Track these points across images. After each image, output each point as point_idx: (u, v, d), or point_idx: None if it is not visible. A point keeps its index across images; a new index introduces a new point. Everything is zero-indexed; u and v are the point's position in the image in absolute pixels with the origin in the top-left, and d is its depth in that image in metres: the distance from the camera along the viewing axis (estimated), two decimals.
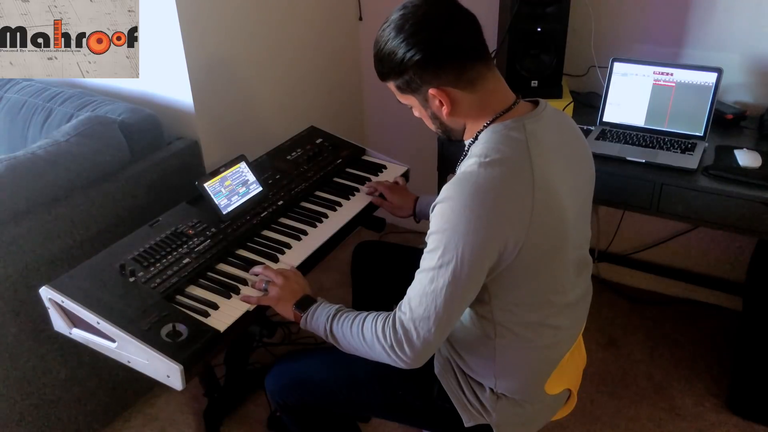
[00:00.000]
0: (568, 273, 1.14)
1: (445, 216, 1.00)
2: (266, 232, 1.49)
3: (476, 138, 1.10)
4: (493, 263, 1.02)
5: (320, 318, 1.18)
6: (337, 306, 1.19)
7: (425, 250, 1.04)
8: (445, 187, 1.03)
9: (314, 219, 1.54)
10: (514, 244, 1.00)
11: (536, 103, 1.13)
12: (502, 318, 1.12)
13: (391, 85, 1.12)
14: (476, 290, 1.05)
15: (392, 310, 1.09)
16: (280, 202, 1.56)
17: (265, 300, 1.25)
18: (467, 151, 1.12)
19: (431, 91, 1.06)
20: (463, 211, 0.99)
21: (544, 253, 1.05)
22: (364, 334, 1.10)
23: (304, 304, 1.22)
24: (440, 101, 1.07)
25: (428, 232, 1.04)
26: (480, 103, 1.09)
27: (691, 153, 1.69)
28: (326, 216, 1.56)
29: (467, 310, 1.15)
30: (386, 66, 1.08)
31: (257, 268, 1.31)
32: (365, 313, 1.13)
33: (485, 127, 1.09)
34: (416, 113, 1.18)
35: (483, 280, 1.04)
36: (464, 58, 1.05)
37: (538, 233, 1.01)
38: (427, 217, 1.54)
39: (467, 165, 1.04)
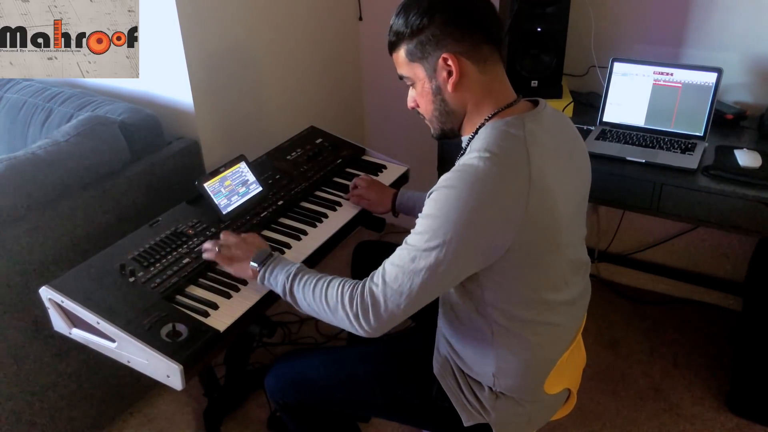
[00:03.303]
0: (563, 272, 1.14)
1: (440, 203, 1.01)
2: (266, 232, 1.49)
3: (476, 133, 1.10)
4: (483, 257, 1.03)
5: (279, 275, 1.17)
6: (297, 264, 1.18)
7: (413, 230, 1.04)
8: (443, 176, 1.03)
9: (314, 219, 1.54)
10: (503, 242, 1.01)
11: (536, 103, 1.13)
12: (498, 316, 1.12)
13: (400, 54, 1.11)
14: (453, 281, 1.06)
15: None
16: (280, 202, 1.56)
17: (219, 258, 1.26)
18: (466, 146, 1.11)
19: (445, 54, 1.05)
20: (458, 201, 0.99)
21: (537, 249, 1.05)
22: (328, 299, 1.09)
23: (260, 258, 1.21)
24: (449, 72, 1.07)
25: (420, 214, 1.04)
26: (486, 87, 1.09)
27: (691, 153, 1.69)
28: (326, 216, 1.56)
29: (464, 309, 1.15)
30: (404, 26, 1.07)
31: (208, 242, 1.32)
32: (329, 277, 1.13)
33: (486, 121, 1.09)
34: (410, 103, 1.17)
35: (466, 271, 1.05)
36: (485, 34, 1.06)
37: (530, 232, 1.02)
38: (406, 212, 1.55)
39: (468, 158, 1.04)
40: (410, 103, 1.18)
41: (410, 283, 1.02)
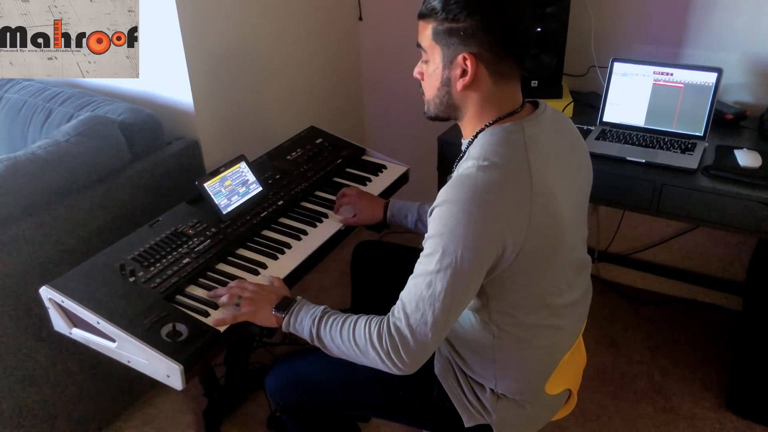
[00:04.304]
0: (566, 274, 1.14)
1: (442, 219, 0.99)
2: (266, 232, 1.49)
3: (475, 137, 1.09)
4: (491, 266, 1.02)
5: (304, 320, 1.14)
6: (321, 307, 1.16)
7: (422, 254, 1.03)
8: (442, 190, 1.02)
9: (314, 219, 1.54)
10: (512, 248, 1.00)
11: (536, 104, 1.13)
12: (501, 320, 1.12)
13: (427, 27, 1.05)
14: (474, 293, 1.05)
15: (385, 314, 1.07)
16: (280, 202, 1.56)
17: (241, 316, 1.19)
18: (465, 151, 1.11)
19: (466, 54, 1.02)
20: (461, 214, 0.98)
21: (541, 256, 1.05)
22: (357, 341, 1.07)
23: (284, 305, 1.18)
24: (464, 70, 1.04)
25: (425, 235, 1.03)
26: (493, 98, 1.07)
27: (691, 153, 1.69)
28: (326, 216, 1.56)
29: (467, 313, 1.15)
30: (443, 4, 1.02)
31: (220, 290, 1.25)
32: (354, 317, 1.11)
33: (486, 127, 1.08)
34: (417, 72, 1.12)
35: (481, 283, 1.04)
36: (513, 51, 1.03)
37: (536, 237, 1.01)
38: (399, 222, 1.53)
39: (465, 167, 1.03)
40: (416, 73, 1.14)
41: (432, 309, 0.99)
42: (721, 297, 2.25)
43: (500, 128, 1.06)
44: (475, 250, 0.98)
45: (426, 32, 1.07)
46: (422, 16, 1.07)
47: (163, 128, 1.78)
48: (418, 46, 1.10)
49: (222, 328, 1.19)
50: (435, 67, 1.08)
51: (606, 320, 2.22)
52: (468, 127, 1.12)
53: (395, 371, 1.05)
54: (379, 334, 1.04)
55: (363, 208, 1.55)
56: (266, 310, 1.19)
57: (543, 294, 1.11)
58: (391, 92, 2.50)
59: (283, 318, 1.17)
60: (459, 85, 1.06)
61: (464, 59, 1.03)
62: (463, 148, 1.13)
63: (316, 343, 1.14)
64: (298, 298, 1.20)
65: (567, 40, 1.89)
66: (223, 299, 1.22)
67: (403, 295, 1.04)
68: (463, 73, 1.04)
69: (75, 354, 1.58)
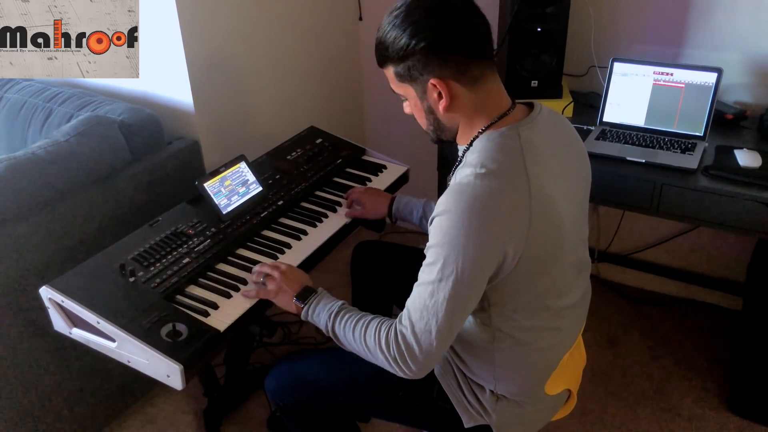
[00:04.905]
0: (567, 277, 1.14)
1: (443, 229, 0.99)
2: (266, 232, 1.49)
3: (471, 144, 1.09)
4: (492, 273, 1.02)
5: (321, 313, 1.18)
6: (339, 302, 1.19)
7: (424, 263, 1.03)
8: (441, 199, 1.02)
9: (314, 219, 1.54)
10: (513, 254, 1.00)
11: (531, 106, 1.12)
12: (502, 324, 1.12)
13: (389, 72, 1.09)
14: (477, 300, 1.05)
15: (393, 315, 1.08)
16: (280, 202, 1.56)
17: (264, 293, 1.26)
18: (462, 157, 1.10)
19: (432, 81, 1.03)
20: (461, 224, 0.98)
21: (541, 260, 1.05)
22: (367, 342, 1.09)
23: (305, 295, 1.22)
24: (439, 93, 1.05)
25: (427, 245, 1.03)
26: (477, 104, 1.07)
27: (691, 153, 1.69)
28: (326, 216, 1.56)
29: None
30: (389, 50, 1.05)
31: (256, 268, 1.32)
32: (368, 317, 1.12)
33: (480, 133, 1.08)
34: (407, 109, 1.16)
35: (483, 290, 1.04)
36: (471, 53, 1.03)
37: (536, 242, 1.01)
38: (403, 218, 1.54)
39: (463, 175, 1.02)
40: (406, 110, 1.17)
41: (436, 318, 1.01)
42: (721, 297, 2.25)
43: (496, 133, 1.05)
44: (476, 259, 0.98)
45: (391, 77, 1.10)
46: (380, 63, 1.10)
47: (163, 128, 1.78)
48: (393, 91, 1.13)
49: (222, 327, 1.19)
50: (415, 102, 1.11)
51: (606, 320, 2.22)
52: (463, 136, 1.12)
53: (403, 375, 1.07)
54: (387, 341, 1.06)
55: (369, 202, 1.58)
56: (288, 296, 1.23)
57: (543, 297, 1.11)
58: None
59: (302, 308, 1.21)
60: (441, 108, 1.07)
61: (433, 86, 1.04)
62: (459, 154, 1.13)
63: (330, 336, 1.17)
64: (320, 289, 1.24)
65: (567, 40, 1.89)
66: (253, 276, 1.30)
67: (409, 303, 1.06)
68: (440, 96, 1.05)
69: (75, 354, 1.58)
